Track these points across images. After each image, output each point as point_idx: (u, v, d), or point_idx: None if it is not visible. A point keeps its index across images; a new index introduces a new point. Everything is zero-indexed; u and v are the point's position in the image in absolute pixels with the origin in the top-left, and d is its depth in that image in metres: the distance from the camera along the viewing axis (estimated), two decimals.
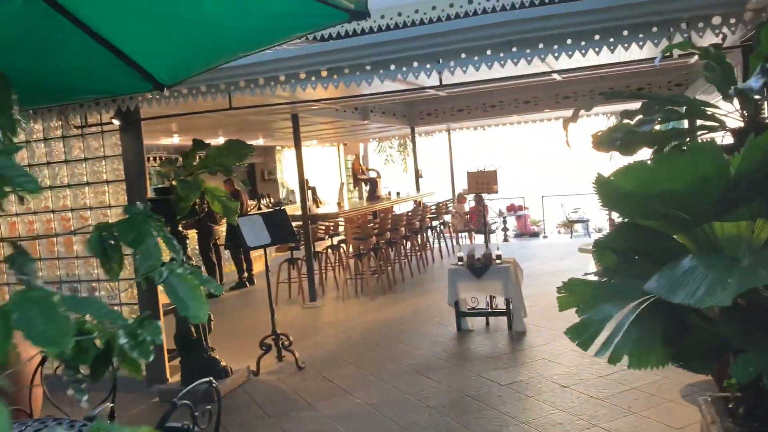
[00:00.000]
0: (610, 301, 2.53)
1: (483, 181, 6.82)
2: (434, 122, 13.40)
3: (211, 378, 2.64)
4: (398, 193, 12.13)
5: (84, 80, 2.75)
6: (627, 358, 2.43)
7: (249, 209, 10.71)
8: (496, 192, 6.85)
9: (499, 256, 6.59)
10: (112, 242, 1.63)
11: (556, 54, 4.27)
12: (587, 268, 9.51)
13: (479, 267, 6.45)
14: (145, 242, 1.60)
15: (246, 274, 10.35)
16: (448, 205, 12.91)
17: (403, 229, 9.99)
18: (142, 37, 2.38)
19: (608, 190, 2.48)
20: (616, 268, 2.73)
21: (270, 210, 6.00)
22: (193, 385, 2.56)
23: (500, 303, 6.78)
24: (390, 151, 24.07)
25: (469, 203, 15.18)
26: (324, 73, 4.82)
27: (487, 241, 7.08)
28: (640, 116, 2.78)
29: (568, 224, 17.03)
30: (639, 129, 2.71)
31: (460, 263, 6.65)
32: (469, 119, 13.25)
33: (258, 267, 10.96)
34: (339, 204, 10.34)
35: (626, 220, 2.70)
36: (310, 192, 11.29)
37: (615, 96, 3.19)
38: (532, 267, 9.46)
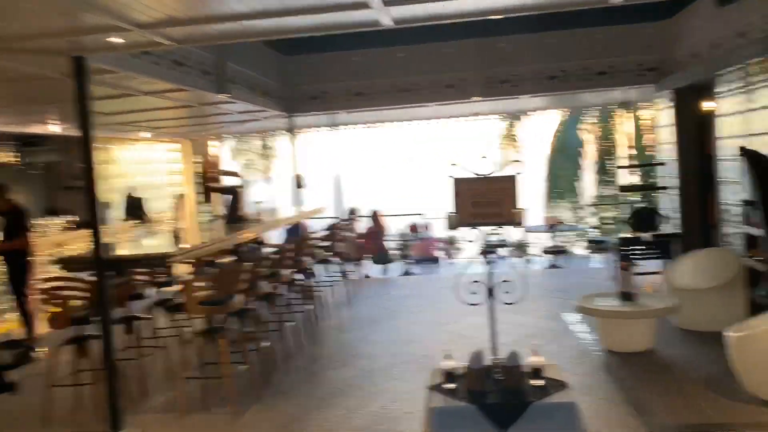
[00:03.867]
0: None
1: (489, 199, 3.12)
2: (320, 108, 9.57)
3: None
4: (274, 210, 8.07)
5: None
6: None
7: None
8: (520, 223, 3.18)
9: (536, 373, 2.92)
10: None
11: None
12: (573, 334, 6.23)
13: (503, 406, 2.73)
14: None
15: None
16: (344, 227, 9.11)
17: (288, 270, 6.04)
18: None
19: None
20: None
21: None
22: None
23: None
24: (251, 155, 19.74)
25: (359, 223, 11.51)
26: None
27: (490, 309, 3.41)
28: None
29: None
30: None
31: (448, 386, 2.89)
32: (368, 107, 9.59)
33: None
34: (175, 235, 5.95)
35: None
36: (129, 206, 6.96)
37: None
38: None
